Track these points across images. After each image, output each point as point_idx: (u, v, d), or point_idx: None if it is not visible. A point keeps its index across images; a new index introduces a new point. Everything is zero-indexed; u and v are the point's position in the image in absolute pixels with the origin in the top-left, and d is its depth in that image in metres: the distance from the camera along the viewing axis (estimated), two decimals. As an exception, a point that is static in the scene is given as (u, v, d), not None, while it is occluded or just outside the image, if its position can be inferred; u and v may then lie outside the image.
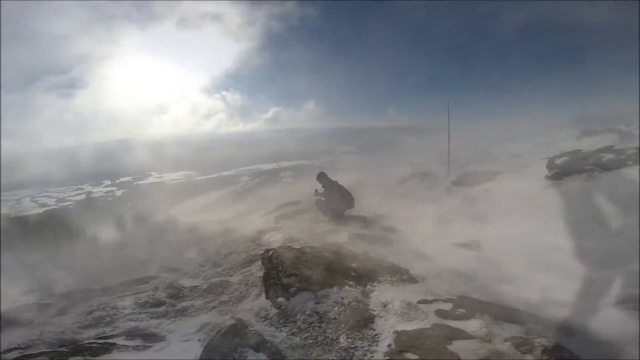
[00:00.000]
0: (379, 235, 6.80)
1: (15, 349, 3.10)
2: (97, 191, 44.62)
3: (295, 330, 2.82)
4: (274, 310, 3.18)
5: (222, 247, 8.05)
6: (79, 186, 46.41)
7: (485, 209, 9.02)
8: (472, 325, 2.58)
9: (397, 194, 15.74)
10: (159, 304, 4.11)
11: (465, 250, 5.79)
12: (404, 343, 2.35)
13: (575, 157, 9.97)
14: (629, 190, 7.02)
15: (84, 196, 42.65)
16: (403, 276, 3.81)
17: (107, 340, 3.02)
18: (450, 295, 3.32)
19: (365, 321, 2.83)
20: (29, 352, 2.97)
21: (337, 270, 3.69)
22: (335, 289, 3.29)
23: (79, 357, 2.81)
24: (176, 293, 4.47)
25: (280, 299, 3.19)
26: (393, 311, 2.88)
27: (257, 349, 2.47)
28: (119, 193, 41.97)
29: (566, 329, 2.72)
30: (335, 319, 2.88)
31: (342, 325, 2.77)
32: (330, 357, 2.44)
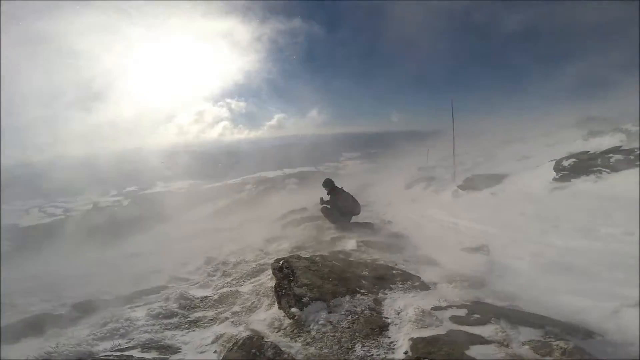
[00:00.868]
0: (387, 241, 6.79)
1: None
2: (104, 201, 44.97)
3: (310, 340, 2.80)
4: (287, 321, 3.18)
5: (230, 256, 8.05)
6: (86, 196, 46.76)
7: (493, 212, 8.97)
8: (488, 330, 2.54)
9: (403, 200, 15.74)
10: (171, 315, 4.11)
11: (475, 255, 5.73)
12: (421, 350, 2.34)
13: (582, 159, 9.91)
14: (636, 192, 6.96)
15: (90, 206, 42.98)
16: (415, 283, 3.80)
17: (123, 353, 3.03)
18: (464, 301, 3.29)
19: (379, 329, 2.82)
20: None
21: (348, 278, 3.69)
22: (347, 298, 3.29)
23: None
24: (188, 304, 4.48)
25: (293, 309, 3.18)
26: (407, 318, 2.87)
27: (274, 360, 2.47)
28: (125, 202, 42.27)
29: (585, 332, 2.68)
30: (349, 327, 2.86)
31: (357, 334, 2.75)
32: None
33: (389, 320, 2.95)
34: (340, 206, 8.25)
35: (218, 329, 3.47)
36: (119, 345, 3.31)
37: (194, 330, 3.59)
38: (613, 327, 2.85)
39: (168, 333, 3.56)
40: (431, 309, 2.97)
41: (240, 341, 2.65)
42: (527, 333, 2.53)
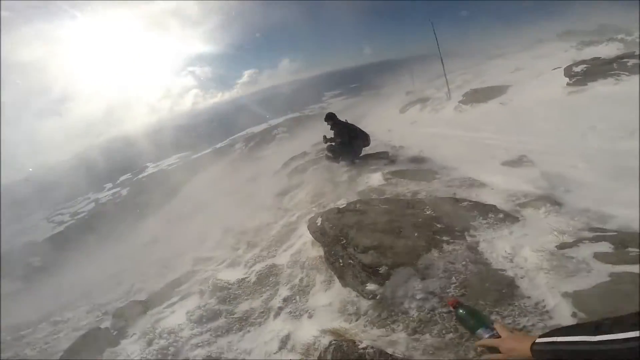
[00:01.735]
0: (414, 168, 6.01)
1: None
2: (103, 196, 44.08)
3: (416, 325, 2.02)
4: (365, 302, 2.41)
5: (246, 221, 7.41)
6: (85, 196, 45.84)
7: (512, 121, 8.28)
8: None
9: (403, 124, 14.96)
10: (214, 315, 3.47)
11: (521, 169, 5.06)
12: (592, 307, 1.69)
13: (595, 64, 9.27)
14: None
15: (93, 204, 42.25)
16: (498, 215, 3.06)
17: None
18: (578, 229, 2.67)
19: (508, 287, 2.13)
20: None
21: (417, 226, 2.92)
22: (435, 253, 2.47)
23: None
24: (226, 295, 3.82)
25: (370, 286, 2.37)
26: (534, 266, 2.20)
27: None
28: (124, 192, 41.37)
29: None
30: (463, 295, 2.17)
31: (482, 302, 2.08)
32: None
33: (509, 273, 2.23)
34: (348, 140, 7.38)
35: (277, 326, 2.82)
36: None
37: (248, 332, 2.96)
38: None
39: (222, 342, 2.95)
40: (556, 248, 2.29)
41: (328, 352, 1.92)
42: None
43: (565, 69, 9.77)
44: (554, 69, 11.24)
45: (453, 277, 2.21)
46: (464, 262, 2.32)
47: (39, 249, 24.29)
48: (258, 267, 4.31)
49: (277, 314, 3.04)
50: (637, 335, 0.87)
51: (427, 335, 1.89)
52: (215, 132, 52.81)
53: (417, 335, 1.93)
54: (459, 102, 13.09)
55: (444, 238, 2.66)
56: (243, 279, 4.12)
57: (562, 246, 2.27)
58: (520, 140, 6.61)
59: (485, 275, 2.18)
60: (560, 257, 2.12)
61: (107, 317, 5.53)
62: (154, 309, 4.65)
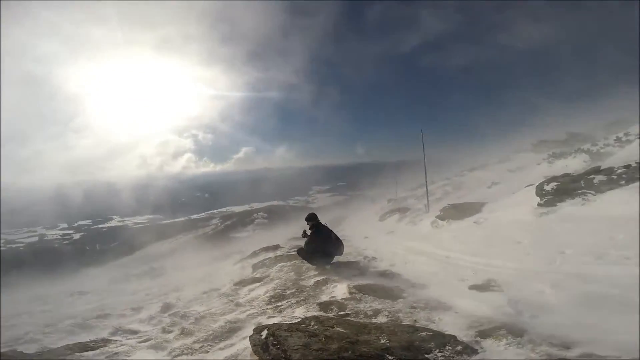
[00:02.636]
0: (381, 283, 5.82)
1: None
2: (52, 234, 41.54)
3: None
4: None
5: (191, 304, 6.78)
6: (31, 229, 43.19)
7: (485, 243, 8.32)
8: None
9: (380, 232, 15.07)
10: None
11: (488, 293, 4.96)
12: None
13: (564, 182, 9.68)
14: (629, 212, 6.60)
15: (36, 239, 39.66)
16: (456, 347, 2.78)
17: None
18: None
19: None
20: None
21: (366, 355, 2.55)
22: None
23: None
24: None
25: None
26: None
27: None
28: (76, 236, 39.14)
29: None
30: None
31: None
32: None
33: None
34: (324, 245, 7.23)
35: None
36: None
37: None
38: None
39: None
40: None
41: None
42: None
43: (537, 188, 10.06)
44: (527, 185, 11.69)
45: None
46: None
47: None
48: (183, 359, 3.70)
49: None
50: None
51: None
52: (195, 202, 52.62)
53: None
54: (436, 217, 13.35)
55: (395, 375, 2.31)
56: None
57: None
58: (490, 264, 6.58)
59: None
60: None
61: None
62: None
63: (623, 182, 8.25)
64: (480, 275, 5.83)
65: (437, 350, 2.74)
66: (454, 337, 3.00)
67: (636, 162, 8.51)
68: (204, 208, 48.81)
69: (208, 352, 3.92)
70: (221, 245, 20.49)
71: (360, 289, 5.36)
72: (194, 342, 4.27)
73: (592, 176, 9.06)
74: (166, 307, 6.71)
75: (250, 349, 3.37)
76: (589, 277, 4.84)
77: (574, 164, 14.03)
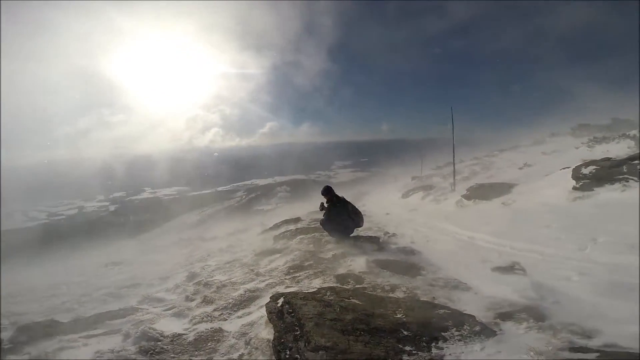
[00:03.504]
0: (400, 259, 5.75)
1: None
2: (89, 206, 43.64)
3: None
4: None
5: (214, 273, 6.99)
6: (71, 201, 45.49)
7: (512, 225, 8.02)
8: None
9: (402, 209, 14.82)
10: None
11: (511, 276, 4.79)
12: None
13: (604, 166, 9.03)
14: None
15: (75, 211, 41.74)
16: (474, 327, 2.69)
17: None
18: (558, 349, 2.34)
19: None
20: None
21: (381, 329, 2.54)
22: None
23: None
24: (151, 347, 3.31)
25: None
26: None
27: None
28: (112, 208, 41.01)
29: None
30: None
31: None
32: None
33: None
34: (342, 217, 7.18)
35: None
36: None
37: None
38: None
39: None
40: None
41: None
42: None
43: (573, 170, 9.57)
44: (563, 168, 11.16)
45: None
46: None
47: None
48: (203, 326, 3.85)
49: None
50: None
51: None
52: (221, 175, 53.49)
53: None
54: (462, 196, 12.94)
55: (407, 348, 2.29)
56: (179, 335, 3.64)
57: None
58: (515, 247, 6.38)
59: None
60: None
61: (13, 327, 4.88)
62: (68, 334, 4.12)
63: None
64: (504, 257, 5.65)
65: (455, 329, 2.66)
66: (473, 317, 2.92)
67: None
68: (229, 181, 49.72)
69: (226, 320, 4.04)
70: (245, 217, 20.92)
71: (379, 263, 5.33)
72: (214, 310, 4.42)
73: (636, 162, 8.44)
74: (191, 277, 6.94)
75: (266, 318, 3.42)
76: (619, 267, 4.64)
77: (617, 149, 13.07)
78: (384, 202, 17.70)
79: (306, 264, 5.95)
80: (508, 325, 2.97)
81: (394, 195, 19.53)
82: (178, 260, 10.32)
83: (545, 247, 6.09)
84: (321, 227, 7.74)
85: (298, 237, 8.22)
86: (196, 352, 3.25)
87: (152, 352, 3.29)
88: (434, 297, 3.78)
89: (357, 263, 5.42)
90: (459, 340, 2.54)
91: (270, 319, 3.08)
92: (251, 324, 3.61)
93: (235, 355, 3.00)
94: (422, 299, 3.63)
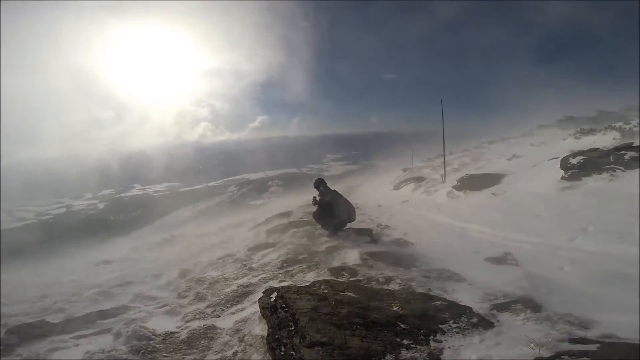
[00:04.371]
0: (393, 251, 5.76)
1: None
2: (78, 204, 42.93)
3: None
4: None
5: (206, 269, 6.93)
6: (58, 200, 44.68)
7: (503, 215, 8.09)
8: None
9: (394, 201, 14.84)
10: None
11: (504, 266, 4.85)
12: None
13: (592, 156, 9.15)
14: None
15: (64, 210, 41.03)
16: (471, 319, 2.69)
17: None
18: (557, 340, 2.35)
19: None
20: None
21: (377, 323, 2.51)
22: (389, 359, 2.14)
23: None
24: (143, 346, 3.25)
25: None
26: None
27: None
28: (100, 206, 40.36)
29: None
30: None
31: None
32: None
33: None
34: (335, 210, 7.15)
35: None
36: None
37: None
38: None
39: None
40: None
41: None
42: None
43: (562, 160, 9.67)
44: (551, 159, 11.26)
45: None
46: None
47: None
48: (195, 324, 3.80)
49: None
50: None
51: None
52: (212, 170, 53.06)
53: None
54: (453, 187, 13.01)
55: (405, 342, 2.26)
56: (171, 334, 3.58)
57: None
58: (507, 237, 6.45)
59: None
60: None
61: (4, 329, 4.73)
62: (59, 335, 4.09)
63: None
64: (496, 248, 5.71)
65: (452, 321, 2.66)
66: (470, 308, 2.91)
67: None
68: (220, 175, 49.33)
69: (219, 316, 3.99)
70: (237, 212, 20.79)
71: (373, 255, 5.34)
72: (207, 306, 4.37)
73: (622, 152, 8.56)
74: (183, 273, 6.87)
75: (259, 314, 3.38)
76: (610, 256, 4.71)
77: (603, 140, 13.20)
78: (376, 195, 17.74)
79: (299, 257, 5.93)
80: (505, 317, 2.98)
81: (385, 188, 19.56)
82: (170, 257, 10.21)
83: (536, 237, 6.17)
84: (314, 220, 7.71)
85: (291, 231, 8.18)
86: (189, 351, 3.20)
87: (143, 351, 3.23)
88: (429, 289, 3.78)
89: (351, 255, 5.42)
90: (457, 332, 2.53)
91: (263, 315, 3.04)
92: (245, 320, 3.57)
93: (229, 353, 2.96)
94: (417, 291, 3.62)
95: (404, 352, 2.16)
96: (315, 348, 2.16)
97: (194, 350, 3.19)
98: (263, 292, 3.47)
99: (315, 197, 7.50)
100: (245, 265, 6.21)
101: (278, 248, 6.99)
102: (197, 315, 4.08)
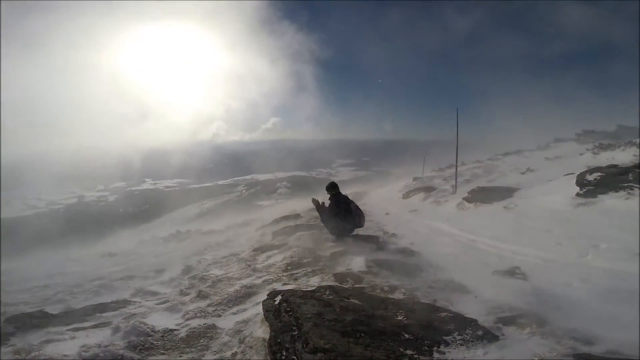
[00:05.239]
0: (399, 260, 5.67)
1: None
2: (89, 195, 43.67)
3: None
4: None
5: (210, 267, 6.92)
6: (71, 190, 45.52)
7: (513, 229, 7.92)
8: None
9: (402, 210, 14.73)
10: None
11: (512, 280, 4.71)
12: None
13: (610, 173, 8.92)
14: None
15: (75, 200, 41.71)
16: (476, 331, 2.61)
17: None
18: (562, 355, 2.33)
19: None
20: None
21: (382, 331, 2.46)
22: None
23: None
24: (141, 343, 3.21)
25: None
26: None
27: None
28: (111, 198, 40.99)
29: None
30: None
31: None
32: None
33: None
34: (343, 216, 7.07)
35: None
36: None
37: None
38: None
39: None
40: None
41: None
42: None
43: (578, 176, 9.40)
44: (566, 174, 10.89)
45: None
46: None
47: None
48: (195, 322, 3.75)
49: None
50: None
51: None
52: (222, 169, 53.54)
53: None
54: (464, 198, 12.80)
55: (408, 352, 2.19)
56: (171, 331, 3.54)
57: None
58: (516, 251, 6.29)
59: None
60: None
61: (2, 318, 4.73)
62: (56, 327, 4.02)
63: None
64: (505, 261, 5.57)
65: (457, 332, 2.58)
66: (475, 320, 2.83)
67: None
68: (230, 175, 49.74)
69: (220, 316, 3.95)
70: (244, 211, 20.84)
71: (378, 263, 5.25)
72: (208, 305, 4.33)
73: (642, 170, 8.27)
74: (187, 270, 6.85)
75: (261, 316, 3.33)
76: (621, 274, 4.56)
77: (622, 156, 12.89)
78: (384, 202, 17.63)
79: (304, 261, 5.86)
80: (510, 330, 2.89)
81: (394, 195, 19.42)
82: (175, 252, 10.26)
83: (546, 252, 6.00)
84: (322, 224, 7.65)
85: (297, 234, 8.15)
86: (187, 349, 3.15)
87: (141, 347, 3.19)
88: (434, 300, 3.69)
89: (356, 262, 5.33)
90: (461, 344, 2.46)
91: (266, 317, 2.98)
92: (246, 322, 3.52)
93: (228, 354, 2.92)
94: (422, 301, 3.54)
95: (407, 362, 2.09)
96: (318, 354, 2.10)
97: (192, 349, 3.14)
98: (267, 295, 3.42)
99: (315, 200, 7.45)
100: (249, 266, 6.18)
101: (283, 250, 6.94)
102: (198, 314, 4.04)
